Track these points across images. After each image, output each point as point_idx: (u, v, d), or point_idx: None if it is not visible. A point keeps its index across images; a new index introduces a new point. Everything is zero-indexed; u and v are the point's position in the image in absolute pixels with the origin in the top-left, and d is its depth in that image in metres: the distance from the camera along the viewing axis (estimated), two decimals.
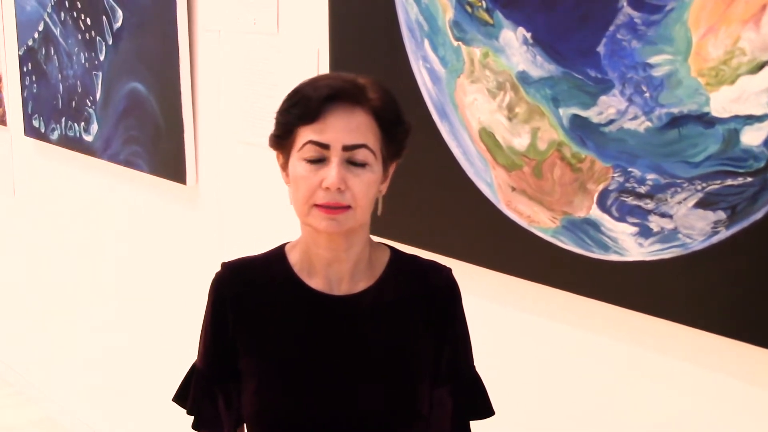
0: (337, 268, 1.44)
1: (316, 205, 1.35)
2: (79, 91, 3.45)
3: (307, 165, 1.35)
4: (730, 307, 1.58)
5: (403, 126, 1.42)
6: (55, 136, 3.69)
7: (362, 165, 1.36)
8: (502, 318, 2.01)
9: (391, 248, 1.53)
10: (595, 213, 1.74)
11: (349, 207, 1.35)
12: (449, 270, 1.54)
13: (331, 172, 1.33)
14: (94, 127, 3.39)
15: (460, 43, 1.95)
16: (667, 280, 1.65)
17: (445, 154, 2.01)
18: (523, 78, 1.83)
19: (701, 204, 1.58)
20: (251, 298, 1.46)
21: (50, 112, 3.70)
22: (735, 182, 1.53)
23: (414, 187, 2.10)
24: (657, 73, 1.61)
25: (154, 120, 3.02)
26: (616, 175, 1.69)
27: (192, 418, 1.54)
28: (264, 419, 1.45)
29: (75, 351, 3.92)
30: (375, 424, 1.43)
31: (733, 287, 1.56)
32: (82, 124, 3.47)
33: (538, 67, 1.79)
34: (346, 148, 1.34)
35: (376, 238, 1.51)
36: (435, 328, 1.49)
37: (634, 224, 1.68)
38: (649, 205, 1.65)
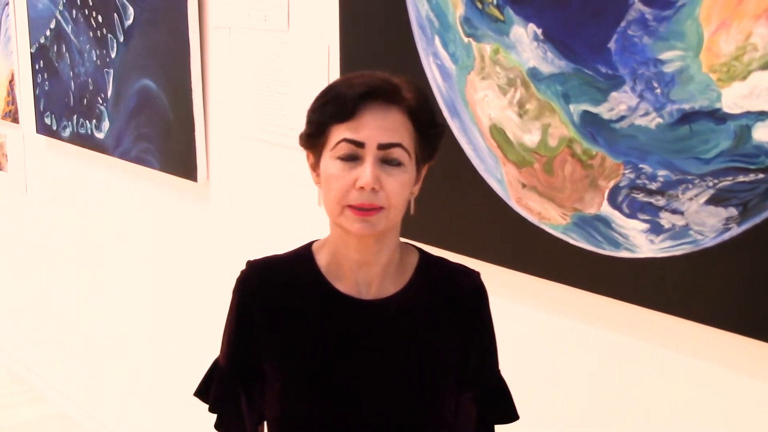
0: (367, 271, 1.42)
1: (349, 206, 1.32)
2: (91, 88, 3.46)
3: (341, 164, 1.32)
4: (742, 303, 1.57)
5: (438, 127, 1.41)
6: (66, 133, 3.71)
7: (397, 164, 1.33)
8: (513, 315, 2.01)
9: (420, 250, 1.51)
10: (606, 209, 1.74)
11: (382, 208, 1.32)
12: (478, 274, 1.52)
13: (366, 171, 1.30)
14: (106, 125, 3.40)
15: (470, 39, 1.94)
16: (679, 276, 1.64)
17: (455, 151, 2.01)
18: (534, 74, 1.82)
19: (713, 200, 1.57)
20: (277, 299, 1.44)
21: (62, 109, 3.71)
22: (747, 178, 1.52)
23: (424, 184, 2.09)
24: (668, 69, 1.60)
25: (165, 117, 3.03)
26: (627, 171, 1.69)
27: (212, 415, 1.53)
28: (288, 423, 1.43)
29: (87, 348, 3.94)
30: (398, 429, 1.42)
31: (744, 284, 1.56)
32: (94, 121, 3.48)
33: (549, 63, 1.79)
34: (382, 147, 1.32)
35: (402, 238, 1.49)
36: (463, 333, 1.47)
37: (645, 221, 1.68)
38: (660, 201, 1.65)
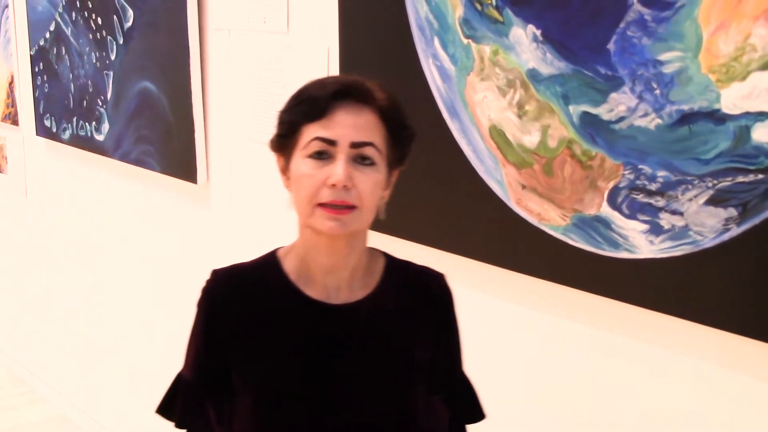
0: (336, 275, 1.41)
1: (321, 205, 1.31)
2: (91, 90, 3.46)
3: (312, 162, 1.32)
4: (742, 304, 1.57)
5: (409, 130, 1.41)
6: (66, 135, 3.71)
7: (369, 163, 1.33)
8: (512, 316, 2.01)
9: (385, 254, 1.50)
10: (606, 210, 1.74)
11: (354, 207, 1.32)
12: (444, 276, 1.52)
13: (338, 168, 1.30)
14: (105, 127, 3.40)
15: (470, 40, 1.94)
16: (678, 277, 1.64)
17: (455, 152, 2.01)
18: (533, 75, 1.82)
19: (712, 201, 1.57)
20: (246, 307, 1.41)
21: (62, 111, 3.71)
22: (746, 179, 1.52)
23: (424, 185, 2.10)
24: (667, 69, 1.60)
25: (164, 119, 3.03)
26: (626, 172, 1.69)
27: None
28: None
29: (87, 350, 3.94)
30: None
31: (744, 284, 1.56)
32: (94, 123, 3.48)
33: (549, 64, 1.79)
34: (354, 145, 1.32)
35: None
36: (432, 335, 1.48)
37: (644, 221, 1.68)
38: (660, 202, 1.65)
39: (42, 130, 3.90)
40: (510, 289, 2.00)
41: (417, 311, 1.46)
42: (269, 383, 1.39)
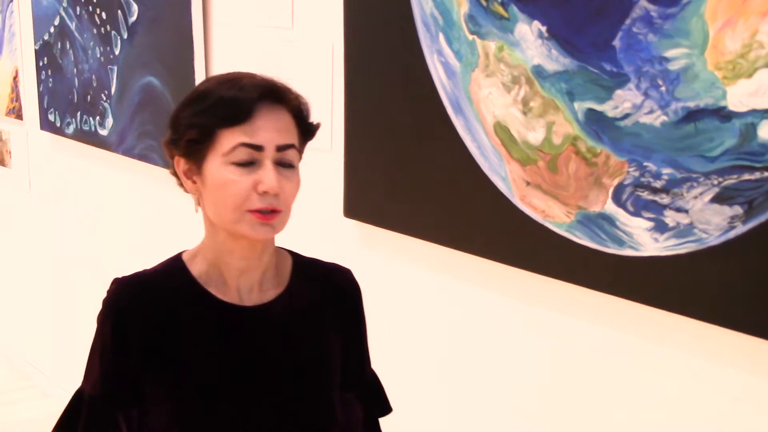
0: (248, 277, 1.39)
1: (250, 211, 1.29)
2: (95, 85, 3.46)
3: (237, 168, 1.29)
4: (747, 302, 1.56)
5: (316, 125, 1.40)
6: (70, 130, 3.71)
7: (290, 166, 1.32)
8: (516, 313, 2.01)
9: (291, 252, 1.50)
10: (610, 208, 1.73)
11: (281, 211, 1.31)
12: (351, 271, 1.53)
13: (269, 174, 1.28)
14: (109, 121, 3.40)
15: (475, 36, 1.94)
16: (683, 275, 1.64)
17: (459, 149, 2.00)
18: (538, 72, 1.82)
19: (717, 199, 1.57)
20: (155, 315, 1.36)
21: (66, 106, 3.71)
22: (752, 177, 1.52)
23: (428, 182, 2.10)
24: (673, 66, 1.59)
25: (168, 114, 3.01)
26: (631, 169, 1.68)
27: None
28: None
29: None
30: None
31: (749, 282, 1.55)
32: (98, 118, 3.48)
33: (554, 60, 1.79)
34: (279, 149, 1.30)
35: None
36: (344, 331, 1.49)
37: (649, 219, 1.67)
38: (665, 199, 1.64)
39: (46, 125, 3.90)
40: (514, 286, 1.99)
41: (330, 307, 1.48)
42: (188, 390, 1.36)
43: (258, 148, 1.29)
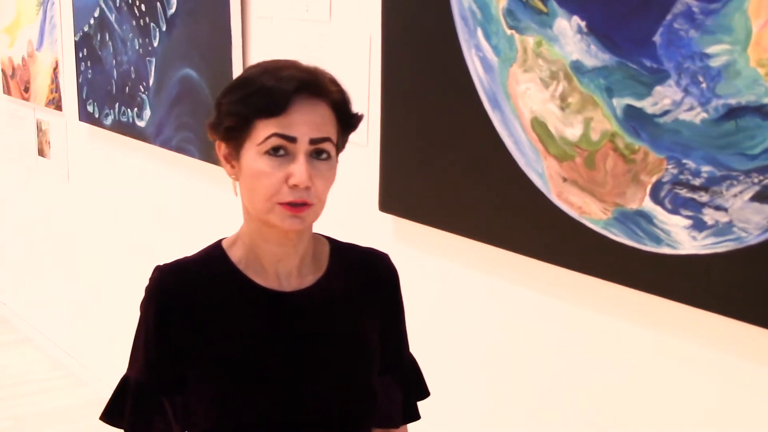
0: (286, 263, 1.40)
1: (280, 204, 1.30)
2: (133, 76, 3.49)
3: (270, 159, 1.30)
4: None
5: (358, 117, 1.39)
6: (108, 121, 3.74)
7: (325, 159, 1.32)
8: (553, 310, 2.00)
9: (329, 238, 1.51)
10: (648, 205, 1.72)
11: (312, 204, 1.31)
12: (388, 256, 1.54)
13: (300, 168, 1.28)
14: (147, 113, 3.43)
15: (513, 31, 1.93)
16: (721, 274, 1.62)
17: (496, 144, 2.00)
18: (577, 67, 1.81)
19: (758, 197, 1.55)
20: (197, 301, 1.39)
21: (104, 97, 3.74)
22: None
23: (465, 177, 2.09)
24: (714, 63, 1.58)
25: (205, 106, 3.04)
26: (670, 166, 1.67)
27: None
28: (227, 426, 1.37)
29: (127, 335, 3.97)
30: (339, 418, 1.41)
31: None
32: (135, 109, 3.51)
33: (593, 56, 1.77)
34: (313, 142, 1.30)
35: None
36: (382, 316, 1.50)
37: (687, 217, 1.66)
38: (704, 197, 1.62)
39: (84, 116, 3.95)
40: (549, 282, 1.99)
41: (368, 292, 1.49)
42: (230, 374, 1.37)
43: (291, 139, 1.29)
